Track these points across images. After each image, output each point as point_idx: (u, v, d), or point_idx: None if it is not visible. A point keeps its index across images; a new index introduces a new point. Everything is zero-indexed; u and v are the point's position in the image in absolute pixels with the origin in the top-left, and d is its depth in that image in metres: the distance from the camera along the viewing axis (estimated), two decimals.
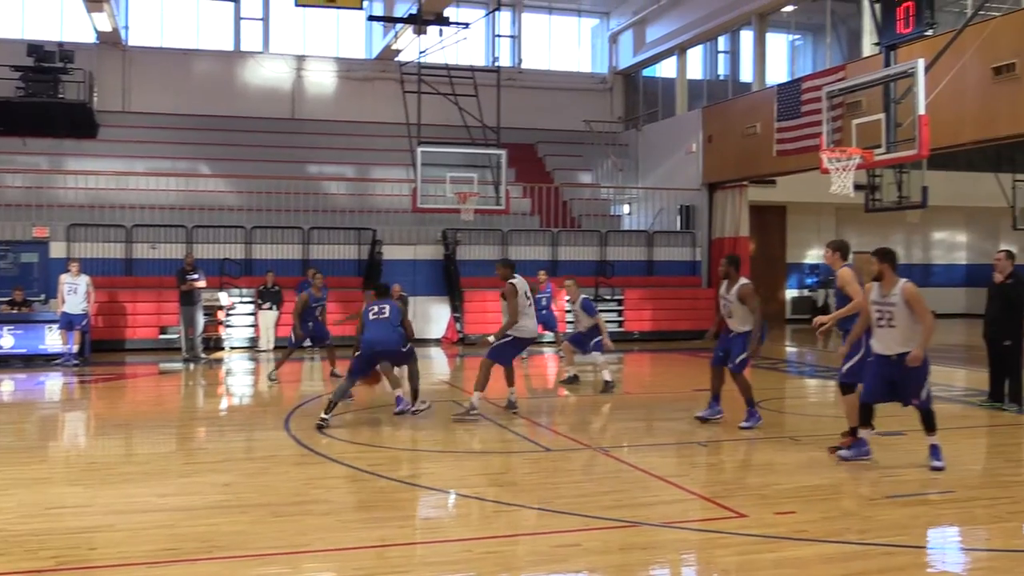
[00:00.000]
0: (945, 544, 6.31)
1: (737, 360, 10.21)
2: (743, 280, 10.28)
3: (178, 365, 16.91)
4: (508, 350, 10.88)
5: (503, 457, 8.93)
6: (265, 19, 27.80)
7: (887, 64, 13.63)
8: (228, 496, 7.21)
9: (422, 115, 20.61)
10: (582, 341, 13.50)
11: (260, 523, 6.45)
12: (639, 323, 22.23)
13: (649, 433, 10.47)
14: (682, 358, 18.40)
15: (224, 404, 13.18)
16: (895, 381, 8.10)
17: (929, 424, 8.18)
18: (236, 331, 20.03)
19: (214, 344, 19.44)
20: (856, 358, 8.75)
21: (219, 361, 17.80)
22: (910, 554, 5.91)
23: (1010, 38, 14.31)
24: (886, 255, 8.23)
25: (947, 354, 20.34)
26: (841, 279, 8.94)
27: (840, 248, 9.16)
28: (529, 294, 10.93)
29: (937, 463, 8.11)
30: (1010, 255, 11.47)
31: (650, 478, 7.85)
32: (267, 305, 19.53)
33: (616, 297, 22.25)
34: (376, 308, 10.73)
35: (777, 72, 25.10)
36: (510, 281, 10.80)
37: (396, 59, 26.12)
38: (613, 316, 21.90)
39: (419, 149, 19.86)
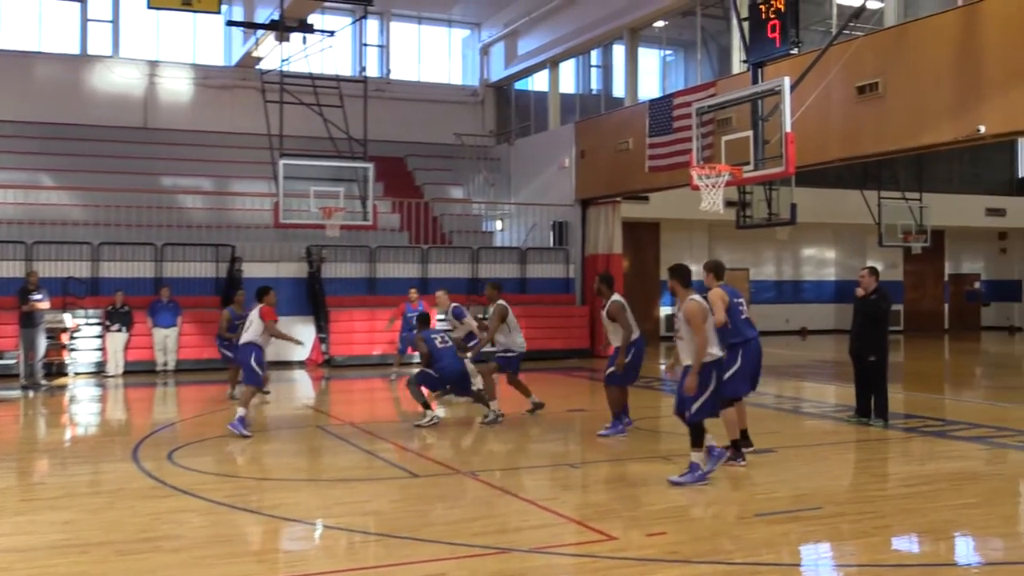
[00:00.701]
0: (814, 561, 6.53)
1: (606, 372, 11.04)
2: (614, 297, 10.95)
3: (16, 393, 16.12)
4: (515, 362, 12.67)
5: (369, 484, 8.81)
6: (115, 21, 26.93)
7: (755, 82, 14.12)
8: (68, 535, 6.90)
9: (285, 126, 20.30)
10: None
11: (103, 563, 6.19)
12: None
13: (522, 455, 10.52)
14: (556, 378, 18.57)
15: (67, 435, 12.63)
16: (680, 391, 8.55)
17: (694, 439, 8.50)
18: (81, 355, 19.24)
19: (56, 370, 18.62)
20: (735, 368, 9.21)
21: (62, 388, 17.06)
22: (779, 572, 6.09)
23: (873, 57, 15.04)
24: (674, 271, 8.58)
25: (817, 370, 21.15)
26: (709, 298, 9.19)
27: (713, 269, 9.49)
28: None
29: (680, 479, 8.39)
30: (874, 271, 11.99)
31: (521, 502, 7.88)
32: (116, 327, 18.84)
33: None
34: (439, 337, 12.26)
35: (649, 87, 25.72)
36: (499, 302, 12.58)
37: (257, 67, 25.68)
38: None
39: (281, 162, 19.54)
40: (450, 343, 12.39)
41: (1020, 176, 36.29)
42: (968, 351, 27.89)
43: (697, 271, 9.74)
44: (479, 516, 7.42)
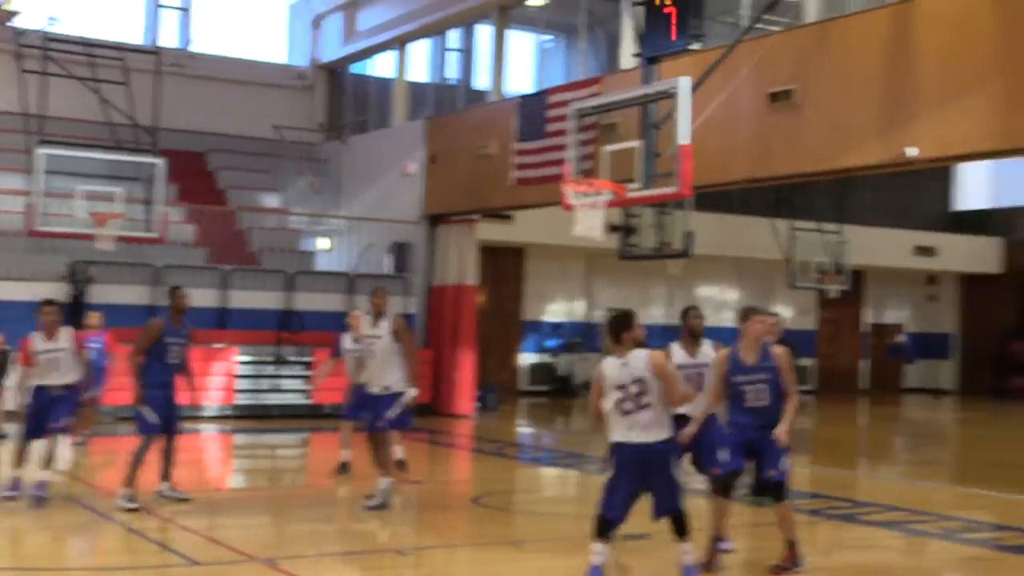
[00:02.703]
0: None
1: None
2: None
3: None
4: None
5: (130, 574, 8.47)
6: None
7: (647, 81, 14.34)
8: None
9: (47, 105, 19.63)
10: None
11: None
12: (334, 394, 21.95)
13: (338, 538, 10.34)
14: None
15: None
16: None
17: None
18: None
19: None
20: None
21: None
22: None
23: (789, 60, 15.45)
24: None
25: None
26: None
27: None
28: None
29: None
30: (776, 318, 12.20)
31: None
32: None
33: (304, 359, 21.90)
34: None
35: (521, 80, 25.92)
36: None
37: (10, 23, 24.68)
38: (298, 384, 21.62)
39: (40, 151, 18.85)
40: None
41: (954, 209, 38.06)
42: (887, 417, 28.94)
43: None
44: None
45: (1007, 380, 34.76)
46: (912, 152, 13.78)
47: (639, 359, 7.85)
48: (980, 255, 35.93)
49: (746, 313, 9.11)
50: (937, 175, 36.79)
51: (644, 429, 7.79)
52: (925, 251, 34.76)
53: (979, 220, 36.81)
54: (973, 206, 37.84)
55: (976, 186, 37.90)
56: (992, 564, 10.04)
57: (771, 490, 8.83)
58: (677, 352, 9.99)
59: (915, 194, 36.38)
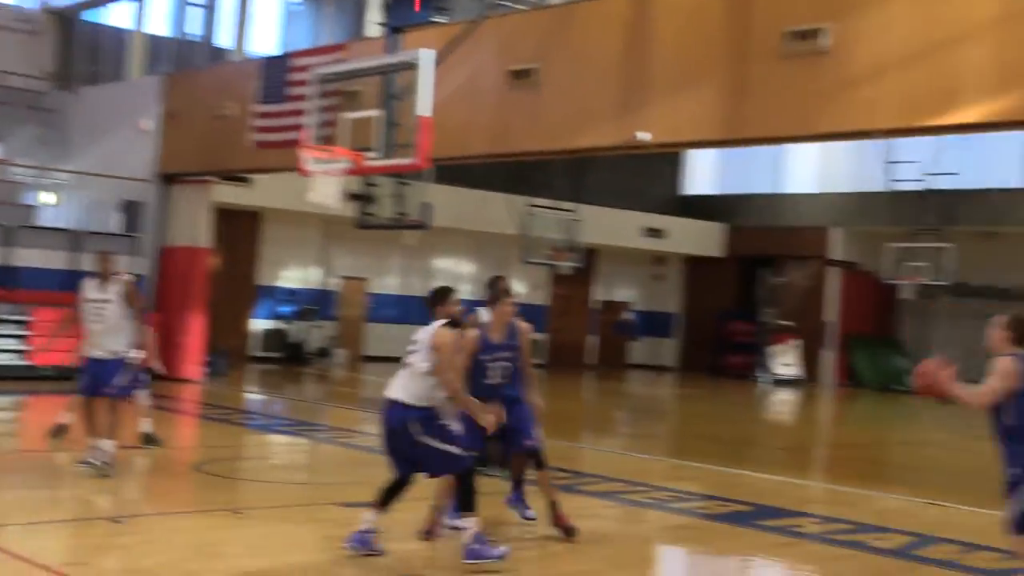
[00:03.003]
0: None
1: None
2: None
3: None
4: None
5: None
6: None
7: (390, 50, 14.33)
8: None
9: None
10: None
11: None
12: (54, 354, 21.04)
13: (50, 505, 9.96)
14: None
15: None
16: None
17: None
18: None
19: None
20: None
21: None
22: None
23: (531, 39, 15.73)
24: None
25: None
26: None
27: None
28: None
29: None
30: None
31: (34, 569, 7.49)
32: None
33: (19, 317, 20.91)
34: None
35: (266, 41, 25.46)
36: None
37: None
38: (13, 344, 20.65)
39: None
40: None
41: (683, 194, 39.71)
42: (611, 392, 30.03)
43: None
44: None
45: (724, 359, 36.62)
46: (644, 136, 14.27)
47: (428, 330, 8.21)
48: (705, 239, 37.69)
49: (494, 283, 9.30)
50: (668, 160, 38.32)
51: (399, 388, 8.09)
52: (654, 233, 36.14)
53: (705, 205, 38.57)
54: (700, 192, 39.60)
55: (703, 172, 39.70)
56: (699, 532, 10.61)
57: (532, 457, 9.28)
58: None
59: (647, 177, 37.76)
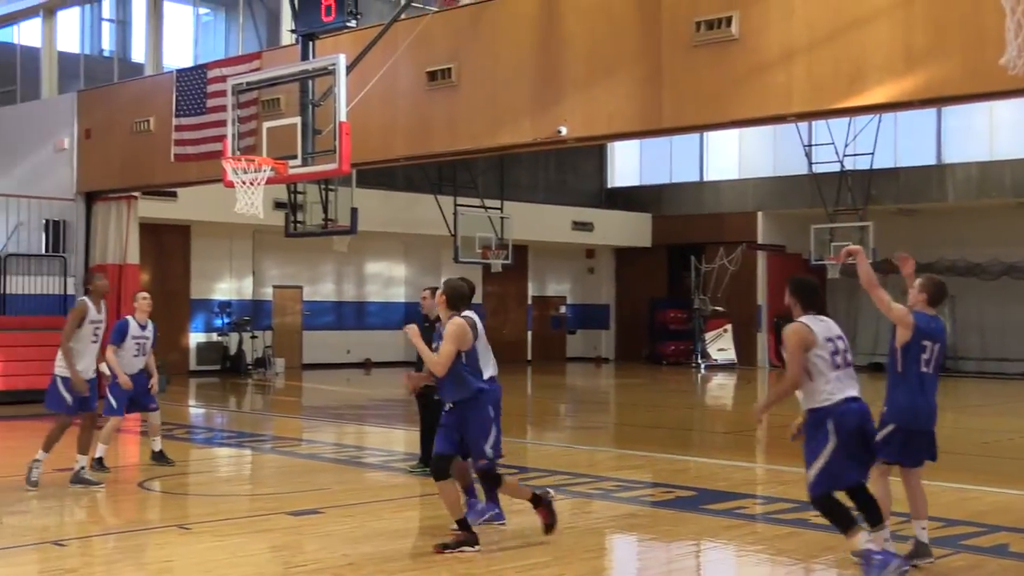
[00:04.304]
0: None
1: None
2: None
3: None
4: None
5: None
6: None
7: (305, 57, 14.35)
8: None
9: None
10: None
11: None
12: None
13: None
14: (43, 426, 17.58)
15: None
16: None
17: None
18: None
19: None
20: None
21: None
22: None
23: (446, 38, 15.82)
24: None
25: (383, 411, 21.86)
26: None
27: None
28: None
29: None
30: (434, 292, 12.52)
31: None
32: None
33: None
34: None
35: (180, 54, 25.31)
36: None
37: None
38: None
39: None
40: None
41: (609, 186, 40.00)
42: (551, 385, 30.19)
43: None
44: None
45: (660, 347, 36.96)
46: (563, 130, 14.46)
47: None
48: (632, 230, 38.06)
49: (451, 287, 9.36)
50: (592, 154, 38.61)
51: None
52: (583, 226, 36.44)
53: (631, 196, 38.92)
54: (625, 184, 39.92)
55: (627, 164, 40.02)
56: (646, 519, 10.77)
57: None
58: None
59: (573, 172, 38.07)
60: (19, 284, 22.50)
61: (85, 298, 11.98)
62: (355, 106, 13.52)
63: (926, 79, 11.81)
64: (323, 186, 18.49)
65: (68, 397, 11.50)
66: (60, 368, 11.66)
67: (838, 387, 7.60)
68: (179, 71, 19.91)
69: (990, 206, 32.14)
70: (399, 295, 35.15)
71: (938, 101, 14.34)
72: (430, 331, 12.45)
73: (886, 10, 11.99)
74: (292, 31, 15.56)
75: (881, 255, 31.65)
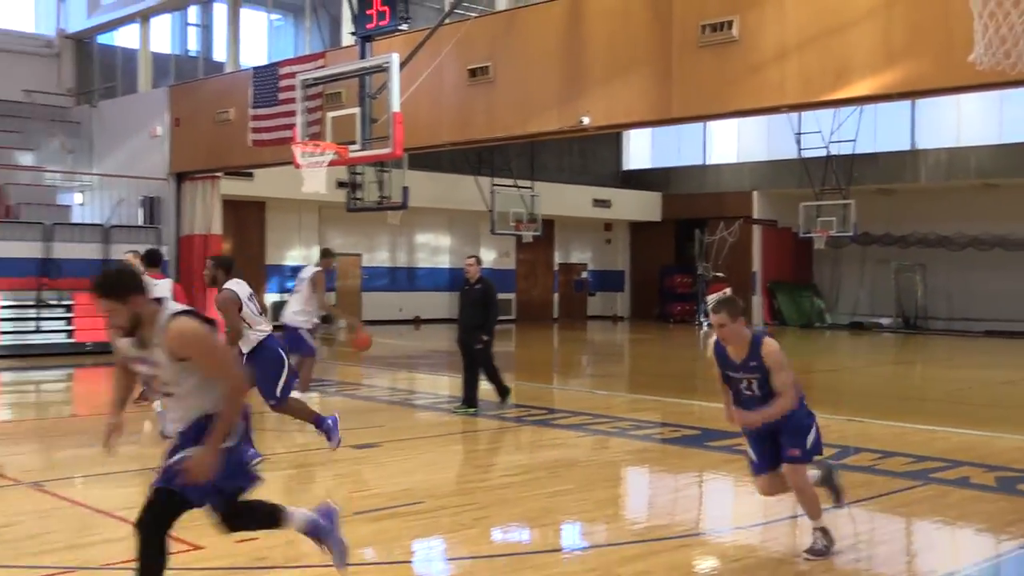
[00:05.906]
0: (409, 557, 6.79)
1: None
2: (226, 285, 9.79)
3: None
4: None
5: None
6: None
7: (363, 56, 14.36)
8: None
9: None
10: None
11: None
12: (94, 332, 21.09)
13: (101, 461, 10.01)
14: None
15: None
16: None
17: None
18: None
19: None
20: None
21: None
22: (376, 571, 6.28)
23: (484, 40, 15.81)
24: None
25: (430, 360, 21.95)
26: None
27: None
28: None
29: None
30: (479, 260, 12.90)
31: (94, 514, 7.55)
32: None
33: (64, 302, 20.93)
34: None
35: (255, 54, 25.33)
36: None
37: None
38: (60, 325, 20.67)
39: None
40: None
41: (624, 168, 39.88)
42: (575, 340, 30.21)
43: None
44: (39, 532, 6.99)
45: (668, 307, 36.94)
46: (585, 120, 14.43)
47: None
48: (645, 206, 37.95)
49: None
50: (610, 140, 38.46)
51: None
52: (602, 203, 36.37)
53: (643, 177, 38.76)
54: (638, 166, 39.77)
55: (640, 149, 39.84)
56: (656, 454, 10.78)
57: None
58: None
59: (593, 156, 37.92)
60: (121, 251, 22.66)
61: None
62: (406, 99, 13.58)
63: (903, 74, 11.70)
64: (379, 168, 18.53)
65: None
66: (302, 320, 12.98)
67: None
68: (255, 68, 19.95)
69: (957, 186, 31.82)
70: (444, 262, 35.21)
71: (914, 94, 14.24)
72: (470, 292, 12.76)
73: (868, 14, 11.87)
74: (352, 34, 15.54)
75: (862, 229, 31.54)
